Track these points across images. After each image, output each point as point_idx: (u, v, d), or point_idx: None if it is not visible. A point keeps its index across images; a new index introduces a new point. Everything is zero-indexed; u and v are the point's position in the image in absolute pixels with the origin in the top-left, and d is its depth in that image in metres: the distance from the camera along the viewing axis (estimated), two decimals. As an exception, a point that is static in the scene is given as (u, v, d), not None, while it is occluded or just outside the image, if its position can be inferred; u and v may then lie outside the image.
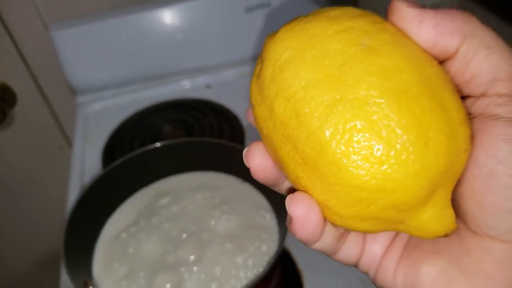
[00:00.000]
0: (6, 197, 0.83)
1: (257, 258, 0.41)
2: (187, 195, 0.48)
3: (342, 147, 0.15)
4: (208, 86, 0.73)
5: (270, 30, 0.18)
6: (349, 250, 0.20)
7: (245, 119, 0.68)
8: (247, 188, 0.49)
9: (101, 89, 0.74)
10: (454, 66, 0.16)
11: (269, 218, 0.45)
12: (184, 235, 0.43)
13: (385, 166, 0.15)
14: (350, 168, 0.15)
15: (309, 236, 0.18)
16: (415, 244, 0.19)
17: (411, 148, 0.15)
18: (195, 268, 0.41)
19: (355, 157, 0.15)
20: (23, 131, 0.77)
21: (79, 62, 0.71)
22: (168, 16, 0.70)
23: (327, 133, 0.15)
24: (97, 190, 0.46)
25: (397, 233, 0.20)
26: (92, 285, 0.40)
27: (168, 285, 0.39)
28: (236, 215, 0.45)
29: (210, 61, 0.74)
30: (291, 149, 0.17)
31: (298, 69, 0.16)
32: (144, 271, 0.41)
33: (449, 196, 0.16)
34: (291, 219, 0.17)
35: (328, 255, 0.20)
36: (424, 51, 0.17)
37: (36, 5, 0.65)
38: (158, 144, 0.50)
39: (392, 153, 0.15)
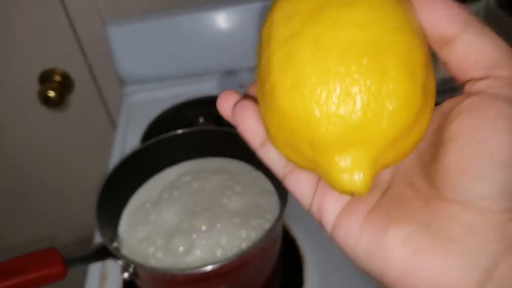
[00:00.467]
0: (54, 175, 0.93)
1: (259, 233, 0.46)
2: (205, 176, 0.54)
3: (282, 74, 0.17)
4: (242, 86, 0.80)
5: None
6: (300, 184, 0.21)
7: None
8: (258, 175, 0.54)
9: (146, 81, 0.82)
10: (457, 51, 0.18)
11: (274, 202, 0.50)
12: (199, 208, 0.49)
13: (308, 100, 0.17)
14: (279, 90, 0.17)
15: (249, 127, 0.22)
16: (384, 208, 0.19)
17: (338, 92, 0.16)
18: (205, 235, 0.46)
19: (286, 83, 0.17)
20: (76, 116, 0.87)
21: (129, 56, 0.80)
22: (208, 21, 0.77)
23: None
24: (130, 163, 0.53)
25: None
26: (116, 241, 0.47)
27: (181, 247, 0.45)
28: (246, 196, 0.51)
29: (245, 62, 0.81)
30: (263, 76, 0.19)
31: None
32: (162, 235, 0.47)
33: (371, 161, 0.17)
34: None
35: (280, 179, 0.22)
36: (421, 29, 0.18)
37: (97, 3, 0.75)
38: (185, 130, 0.57)
39: (318, 90, 0.16)
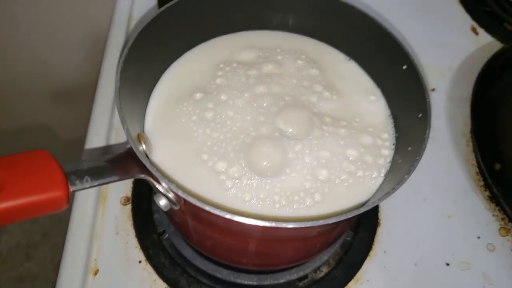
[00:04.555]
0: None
1: (377, 160, 0.33)
2: (279, 58, 0.38)
3: None
4: None
5: None
6: None
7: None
8: (353, 67, 0.39)
9: None
10: None
11: (381, 107, 0.37)
12: (282, 103, 0.34)
13: None
14: None
15: None
16: None
17: None
18: (298, 145, 0.32)
19: None
20: None
21: None
22: None
23: None
24: (164, 20, 0.33)
25: None
26: (145, 142, 0.31)
27: (265, 162, 0.31)
28: (342, 96, 0.36)
29: None
30: None
31: None
32: (232, 143, 0.33)
33: None
34: None
35: None
36: None
37: None
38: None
39: None
